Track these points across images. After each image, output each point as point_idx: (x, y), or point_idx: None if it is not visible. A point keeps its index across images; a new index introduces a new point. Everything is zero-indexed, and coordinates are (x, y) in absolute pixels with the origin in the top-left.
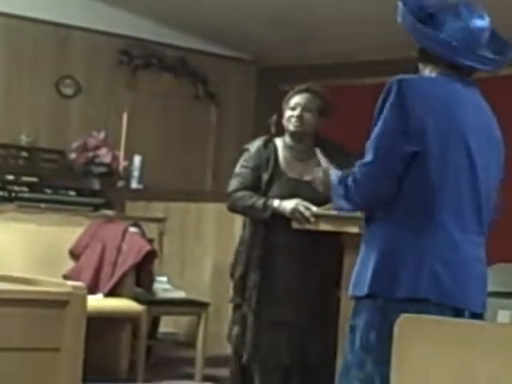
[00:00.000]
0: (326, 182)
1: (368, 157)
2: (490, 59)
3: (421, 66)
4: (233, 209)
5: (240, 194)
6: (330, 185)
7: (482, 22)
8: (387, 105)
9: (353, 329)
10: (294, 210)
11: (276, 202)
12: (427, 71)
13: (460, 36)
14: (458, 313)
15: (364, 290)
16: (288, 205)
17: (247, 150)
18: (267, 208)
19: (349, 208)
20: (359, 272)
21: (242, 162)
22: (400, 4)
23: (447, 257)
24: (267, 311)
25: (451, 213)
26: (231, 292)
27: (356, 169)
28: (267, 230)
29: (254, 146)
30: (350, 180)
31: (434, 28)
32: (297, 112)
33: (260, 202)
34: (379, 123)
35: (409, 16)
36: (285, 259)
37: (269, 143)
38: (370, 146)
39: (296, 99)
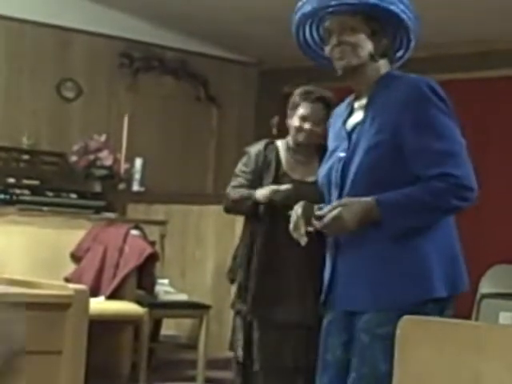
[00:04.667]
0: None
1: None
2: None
3: (373, 58)
4: (226, 208)
5: (232, 191)
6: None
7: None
8: (433, 105)
9: (384, 338)
10: (265, 197)
11: (256, 191)
12: (377, 66)
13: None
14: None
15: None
16: (261, 192)
17: (247, 152)
18: (250, 198)
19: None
20: (384, 283)
21: (241, 164)
22: None
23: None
24: (272, 314)
25: None
26: (232, 297)
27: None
28: (268, 232)
29: (255, 148)
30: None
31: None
32: (308, 126)
33: (244, 192)
34: (446, 128)
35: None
36: (288, 260)
37: (270, 146)
38: (453, 150)
39: (306, 110)
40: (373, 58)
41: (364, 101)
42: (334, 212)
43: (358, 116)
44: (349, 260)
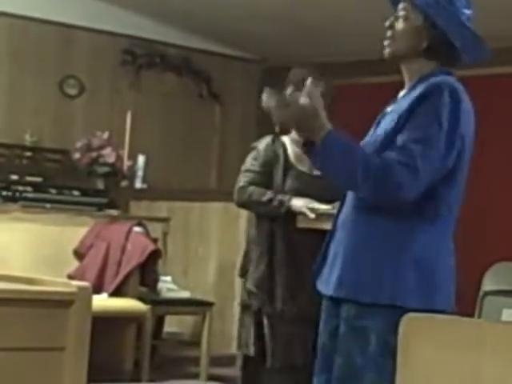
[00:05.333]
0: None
1: (432, 151)
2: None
3: (418, 55)
4: (242, 203)
5: (251, 188)
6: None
7: (469, 11)
8: (446, 107)
9: (361, 331)
10: (300, 211)
11: (289, 199)
12: (424, 63)
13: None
14: None
15: (380, 297)
16: (297, 203)
17: (255, 148)
18: (282, 205)
19: (364, 189)
20: (369, 274)
21: (250, 159)
22: None
23: (451, 265)
24: (291, 306)
25: (454, 222)
26: (242, 294)
27: (414, 158)
28: (286, 228)
29: (263, 143)
30: (397, 165)
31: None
32: None
33: (274, 198)
34: (440, 122)
35: None
36: (303, 256)
37: (276, 140)
38: (429, 140)
39: None
40: (418, 52)
41: (402, 93)
42: (296, 105)
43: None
44: (337, 243)
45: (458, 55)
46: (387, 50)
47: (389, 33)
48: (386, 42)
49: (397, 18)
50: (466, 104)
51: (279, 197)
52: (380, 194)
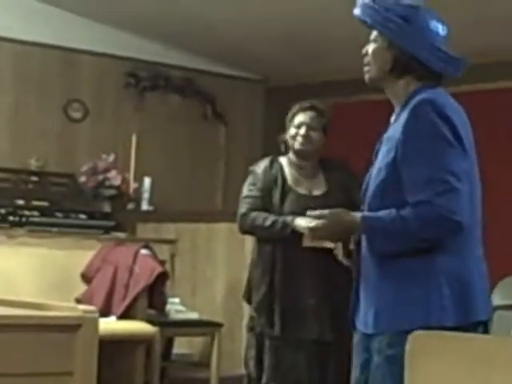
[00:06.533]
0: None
1: (453, 164)
2: (459, 62)
3: (389, 75)
4: (246, 230)
5: (253, 214)
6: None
7: (443, 28)
8: (431, 128)
9: (393, 359)
10: (304, 229)
11: (292, 220)
12: (401, 84)
13: (435, 41)
14: (485, 326)
15: (417, 320)
16: (301, 223)
17: (253, 171)
18: (287, 226)
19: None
20: (404, 301)
21: (248, 184)
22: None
23: (483, 272)
24: (289, 331)
25: (479, 229)
26: (248, 316)
27: (446, 183)
28: (286, 250)
29: (260, 167)
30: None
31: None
32: (303, 131)
33: (278, 220)
34: (428, 150)
35: (390, 14)
36: (305, 278)
37: (274, 163)
38: (425, 179)
39: (301, 117)
40: (387, 72)
41: (393, 118)
42: (320, 222)
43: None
44: (366, 281)
45: (434, 71)
46: (366, 76)
47: (365, 59)
48: (364, 69)
49: (368, 43)
50: (451, 106)
51: (282, 218)
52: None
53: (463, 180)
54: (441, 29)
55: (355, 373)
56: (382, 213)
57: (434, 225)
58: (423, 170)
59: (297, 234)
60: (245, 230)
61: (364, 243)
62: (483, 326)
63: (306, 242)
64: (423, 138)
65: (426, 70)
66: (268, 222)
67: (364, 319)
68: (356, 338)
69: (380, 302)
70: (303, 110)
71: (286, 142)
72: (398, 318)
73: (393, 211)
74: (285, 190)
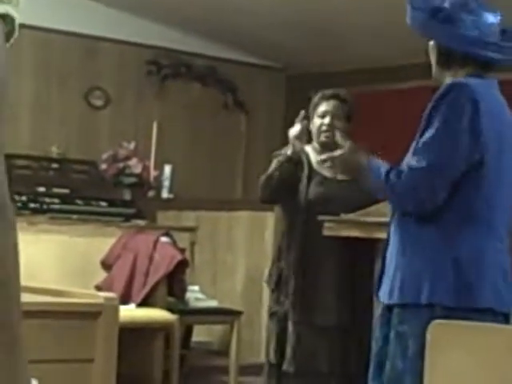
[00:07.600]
0: (349, 161)
1: (423, 161)
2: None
3: (440, 70)
4: (262, 193)
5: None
6: (354, 165)
7: (494, 18)
8: (448, 108)
9: (402, 336)
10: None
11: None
12: (449, 75)
13: (480, 31)
14: (506, 317)
15: (420, 297)
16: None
17: (278, 154)
18: (286, 155)
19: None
20: (410, 277)
21: (274, 159)
22: (409, 7)
23: (504, 266)
24: (309, 317)
25: (503, 220)
26: (269, 302)
27: (405, 169)
28: (304, 235)
29: (286, 150)
30: (393, 177)
31: (453, 26)
32: (327, 120)
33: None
34: (439, 126)
35: (426, 17)
36: (324, 262)
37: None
38: (424, 148)
39: (324, 107)
40: (438, 65)
41: None
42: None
43: None
44: (389, 253)
45: (479, 60)
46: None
47: None
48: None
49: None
50: (483, 95)
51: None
52: (403, 202)
53: (454, 167)
54: (491, 18)
55: (375, 346)
56: (384, 165)
57: (404, 194)
58: (424, 142)
59: (313, 222)
60: (261, 196)
61: (394, 218)
62: (492, 315)
63: (328, 231)
64: (436, 119)
65: (470, 61)
66: (270, 169)
67: (383, 290)
68: (380, 311)
69: (395, 274)
70: (326, 98)
71: (310, 132)
72: (405, 291)
73: (389, 167)
74: (311, 174)
